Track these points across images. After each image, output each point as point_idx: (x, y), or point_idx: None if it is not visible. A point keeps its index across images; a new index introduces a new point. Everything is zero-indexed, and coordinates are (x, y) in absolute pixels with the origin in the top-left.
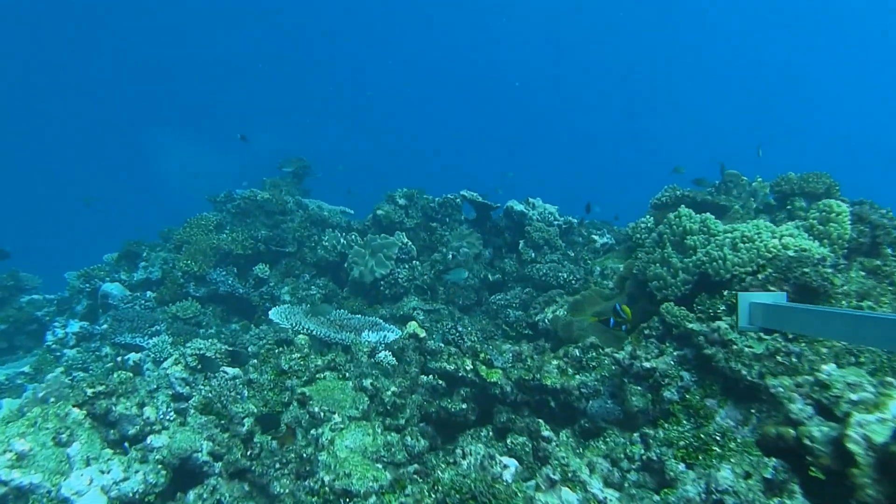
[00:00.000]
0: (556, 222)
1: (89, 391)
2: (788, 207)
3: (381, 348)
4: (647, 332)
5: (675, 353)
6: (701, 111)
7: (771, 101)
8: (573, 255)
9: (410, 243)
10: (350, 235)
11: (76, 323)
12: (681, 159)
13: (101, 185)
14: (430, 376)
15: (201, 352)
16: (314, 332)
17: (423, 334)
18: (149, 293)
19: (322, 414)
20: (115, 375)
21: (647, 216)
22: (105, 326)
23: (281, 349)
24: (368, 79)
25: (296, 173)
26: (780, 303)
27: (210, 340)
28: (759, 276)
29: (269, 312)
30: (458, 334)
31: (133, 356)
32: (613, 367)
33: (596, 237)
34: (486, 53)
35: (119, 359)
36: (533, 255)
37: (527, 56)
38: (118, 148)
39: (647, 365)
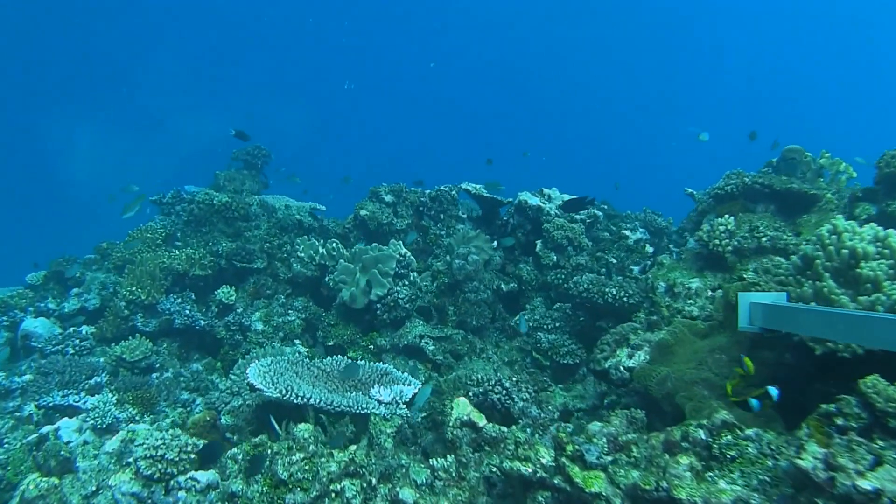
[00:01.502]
0: (578, 217)
1: None
2: None
3: (406, 415)
4: (835, 418)
5: None
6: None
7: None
8: (607, 257)
9: (409, 254)
10: (331, 243)
11: None
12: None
13: None
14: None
15: (158, 452)
16: (316, 402)
17: (482, 422)
18: (84, 328)
19: None
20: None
21: (696, 210)
22: (27, 378)
23: (272, 448)
24: (334, 51)
25: (252, 164)
26: (781, 303)
27: (168, 432)
28: None
29: (249, 372)
30: (503, 393)
31: (65, 427)
32: (786, 473)
33: (627, 232)
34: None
35: (46, 429)
36: (555, 258)
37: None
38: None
39: (864, 484)
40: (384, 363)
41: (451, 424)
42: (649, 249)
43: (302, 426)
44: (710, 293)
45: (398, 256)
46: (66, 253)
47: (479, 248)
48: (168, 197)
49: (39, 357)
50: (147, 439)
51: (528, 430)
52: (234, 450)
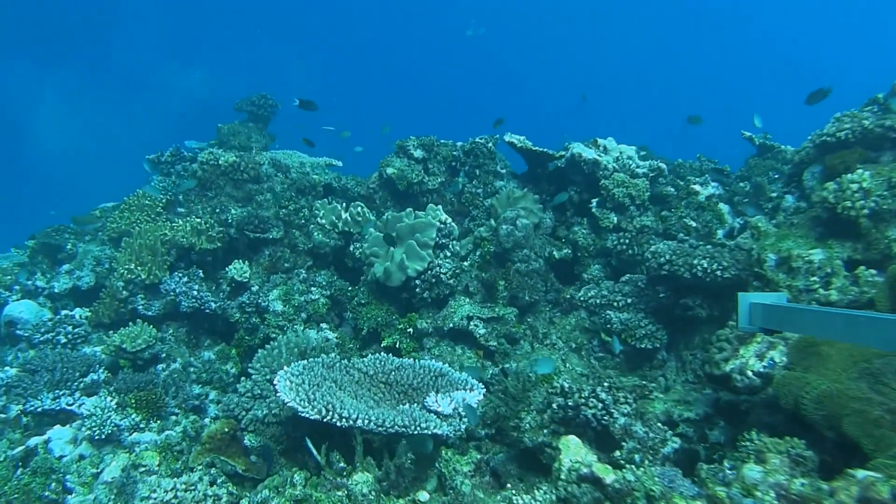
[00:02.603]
0: (640, 170)
1: None
2: None
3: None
4: None
5: None
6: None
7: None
8: (683, 219)
9: (450, 220)
10: (355, 207)
11: None
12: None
13: None
14: None
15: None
16: (364, 423)
17: (608, 476)
18: (78, 312)
19: None
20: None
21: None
22: (11, 373)
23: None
24: None
25: (258, 116)
26: (781, 303)
27: (181, 480)
28: None
29: (278, 385)
30: (600, 407)
31: (56, 437)
32: None
33: (697, 186)
34: None
35: (35, 440)
36: (615, 219)
37: None
38: None
39: None
40: (426, 350)
41: (563, 477)
42: (724, 208)
43: (359, 478)
44: (843, 271)
45: (438, 224)
46: (39, 225)
47: (527, 209)
48: (167, 155)
49: (27, 346)
50: (155, 491)
51: (636, 456)
52: (265, 493)
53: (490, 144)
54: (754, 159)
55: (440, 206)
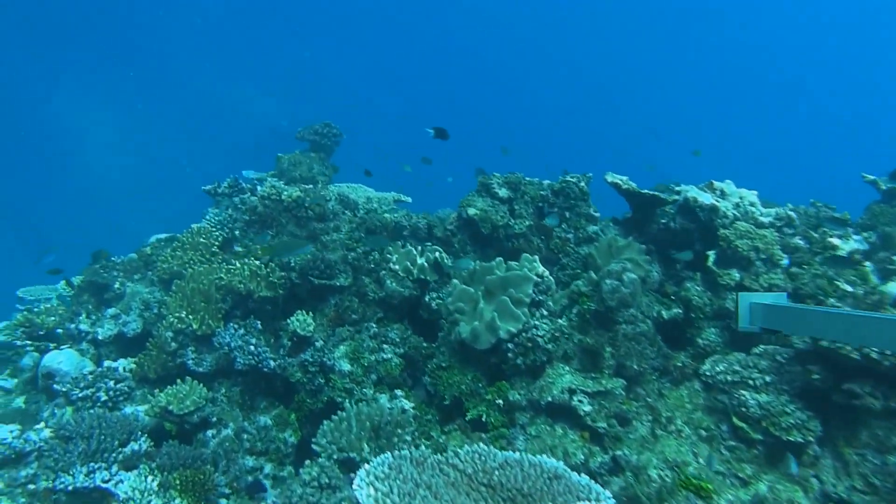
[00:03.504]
0: (764, 218)
1: None
2: None
3: None
4: None
5: None
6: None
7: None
8: (810, 276)
9: (548, 273)
10: (432, 252)
11: None
12: None
13: None
14: None
15: None
16: None
17: None
18: (121, 364)
19: None
20: None
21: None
22: (45, 435)
23: None
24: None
25: (321, 145)
26: (781, 303)
27: None
28: None
29: (357, 491)
30: None
31: None
32: None
33: (836, 240)
34: None
35: None
36: (737, 276)
37: None
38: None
39: None
40: (519, 428)
41: None
42: (868, 266)
43: None
44: None
45: (535, 278)
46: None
47: (633, 261)
48: (224, 186)
49: (65, 402)
50: None
51: None
52: None
53: (583, 184)
54: (879, 206)
55: (536, 257)
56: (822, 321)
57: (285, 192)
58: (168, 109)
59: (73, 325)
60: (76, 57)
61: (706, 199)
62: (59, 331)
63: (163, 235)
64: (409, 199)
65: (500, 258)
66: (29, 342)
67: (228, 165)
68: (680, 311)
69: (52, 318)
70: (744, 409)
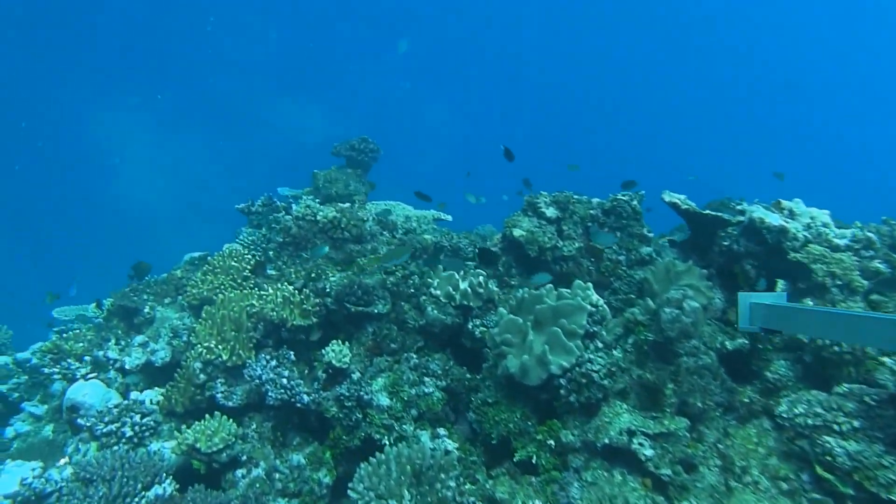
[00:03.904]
0: (840, 241)
1: None
2: None
3: None
4: None
5: None
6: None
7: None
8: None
9: (602, 302)
10: (475, 276)
11: (18, 466)
12: None
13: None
14: None
15: None
16: None
17: None
18: (148, 395)
19: None
20: None
21: None
22: (67, 474)
23: None
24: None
25: (358, 161)
26: (781, 303)
27: None
28: None
29: None
30: None
31: None
32: None
33: None
34: None
35: None
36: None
37: None
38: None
39: None
40: (573, 472)
41: None
42: None
43: None
44: None
45: (589, 307)
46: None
47: (693, 288)
48: (258, 204)
49: (89, 437)
50: None
51: None
52: None
53: (635, 202)
54: None
55: (590, 284)
56: (822, 321)
57: (321, 213)
58: (206, 126)
59: (101, 353)
60: (108, 72)
61: (774, 219)
62: (87, 357)
63: (196, 254)
64: (450, 218)
65: (551, 285)
66: (56, 370)
67: (269, 182)
68: (745, 341)
69: (81, 345)
70: (829, 459)
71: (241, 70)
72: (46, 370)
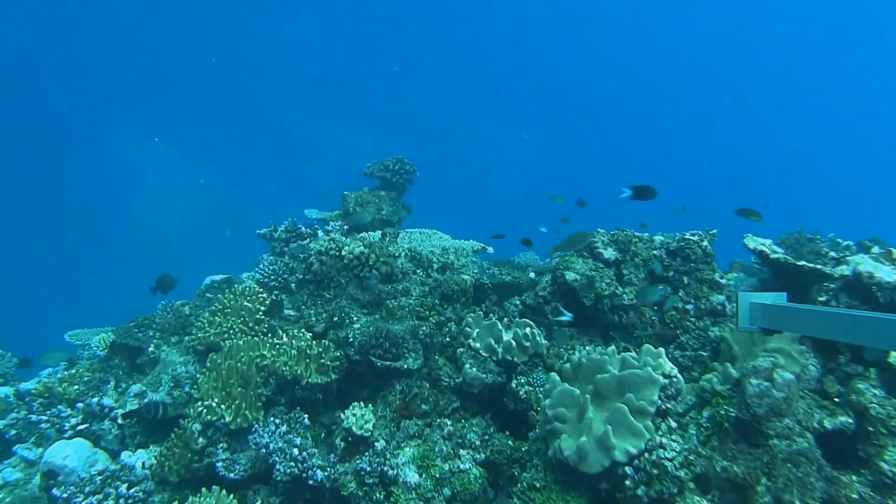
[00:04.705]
0: None
1: None
2: None
3: None
4: None
5: None
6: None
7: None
8: None
9: (676, 372)
10: (520, 327)
11: None
12: None
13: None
14: None
15: None
16: None
17: None
18: (141, 457)
19: None
20: None
21: None
22: None
23: None
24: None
25: (392, 183)
26: (781, 302)
27: None
28: None
29: None
30: None
31: None
32: None
33: None
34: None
35: None
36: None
37: None
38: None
39: None
40: None
41: None
42: None
43: None
44: None
45: (662, 380)
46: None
47: (784, 353)
48: (281, 230)
49: None
50: None
51: None
52: None
53: (706, 243)
54: None
55: (662, 350)
56: (822, 321)
57: (346, 248)
58: (240, 146)
59: (95, 400)
60: (141, 99)
61: (887, 274)
62: (80, 405)
63: (218, 277)
64: (491, 250)
65: (613, 347)
66: (45, 417)
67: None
68: (850, 419)
69: (76, 388)
70: None
71: (281, 89)
72: (34, 417)
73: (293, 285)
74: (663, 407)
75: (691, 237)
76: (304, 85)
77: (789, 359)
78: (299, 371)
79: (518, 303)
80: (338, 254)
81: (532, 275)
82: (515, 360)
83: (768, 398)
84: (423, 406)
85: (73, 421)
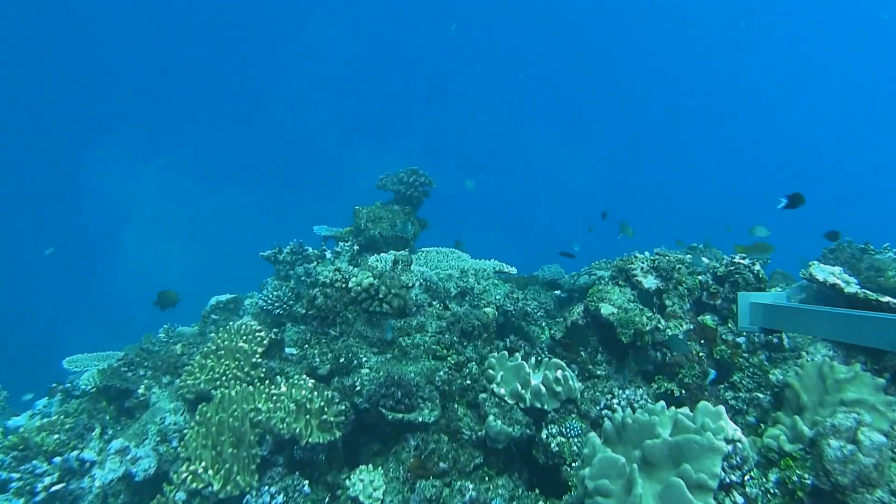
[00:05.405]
0: None
1: None
2: None
3: None
4: None
5: None
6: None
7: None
8: None
9: (741, 436)
10: (550, 369)
11: None
12: None
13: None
14: None
15: None
16: None
17: None
18: None
19: None
20: None
21: None
22: None
23: None
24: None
25: (407, 197)
26: (781, 302)
27: None
28: None
29: None
30: None
31: None
32: None
33: None
34: None
35: None
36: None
37: None
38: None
39: None
40: None
41: None
42: None
43: None
44: None
45: (724, 447)
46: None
47: (868, 406)
48: (286, 252)
49: None
50: None
51: None
52: None
53: (758, 267)
54: None
55: (722, 408)
56: (822, 321)
57: (354, 279)
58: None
59: (74, 455)
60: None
61: None
62: (57, 460)
63: (224, 297)
64: (514, 270)
65: (662, 404)
66: (16, 475)
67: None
68: None
69: (56, 437)
70: None
71: (301, 103)
72: (4, 475)
73: (298, 315)
74: (727, 480)
75: (742, 261)
76: (326, 96)
77: (874, 413)
78: (298, 429)
79: (545, 327)
80: (344, 286)
81: (557, 292)
82: (545, 407)
83: (853, 465)
84: (441, 464)
85: (48, 480)
